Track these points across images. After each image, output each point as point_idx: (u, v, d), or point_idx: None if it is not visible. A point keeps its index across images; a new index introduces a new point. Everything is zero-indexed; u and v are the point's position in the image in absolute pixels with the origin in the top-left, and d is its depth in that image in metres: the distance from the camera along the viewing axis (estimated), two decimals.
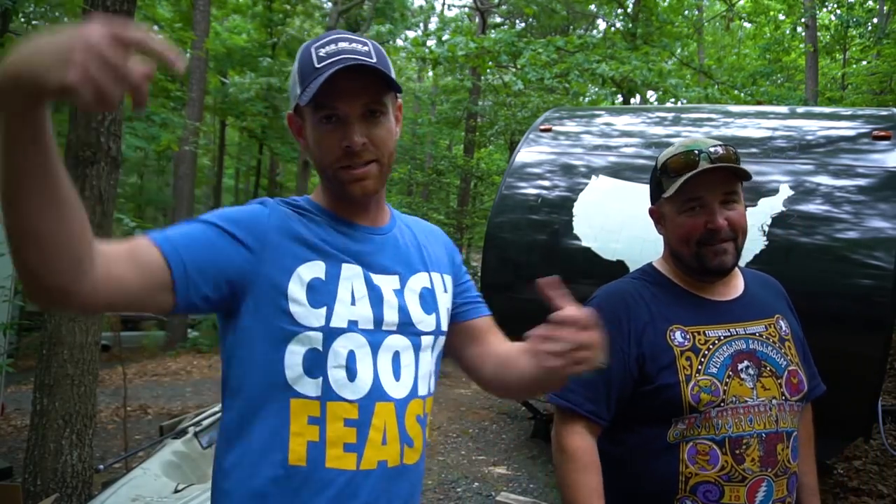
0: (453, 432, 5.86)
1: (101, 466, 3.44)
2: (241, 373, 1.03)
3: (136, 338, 14.57)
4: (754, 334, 1.27)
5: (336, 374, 1.01)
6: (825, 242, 3.50)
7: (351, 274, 1.04)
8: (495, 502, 3.94)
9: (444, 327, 1.18)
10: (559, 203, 4.44)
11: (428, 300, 1.14)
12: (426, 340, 1.13)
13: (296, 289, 0.99)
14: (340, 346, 1.01)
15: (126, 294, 0.87)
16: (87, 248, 0.78)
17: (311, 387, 1.00)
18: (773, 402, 1.23)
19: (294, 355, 1.00)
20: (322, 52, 1.01)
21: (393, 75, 1.03)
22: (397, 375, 1.06)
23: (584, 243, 4.17)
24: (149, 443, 4.24)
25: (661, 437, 1.24)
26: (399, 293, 1.10)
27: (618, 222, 4.11)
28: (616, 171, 4.41)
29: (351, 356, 1.02)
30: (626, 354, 1.26)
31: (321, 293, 1.01)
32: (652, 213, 1.38)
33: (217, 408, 3.94)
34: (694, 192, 1.26)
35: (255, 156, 25.13)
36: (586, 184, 4.42)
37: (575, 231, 4.24)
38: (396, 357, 1.07)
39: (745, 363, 1.24)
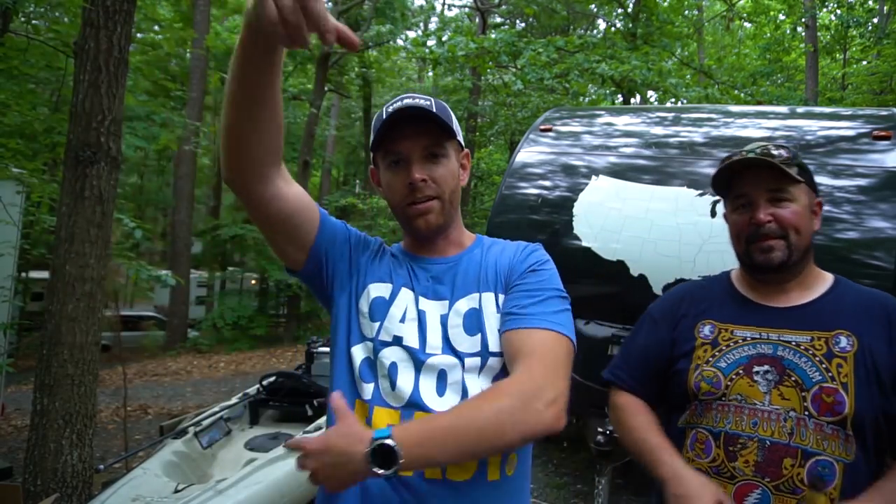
0: None
1: (101, 466, 3.44)
2: (334, 354, 1.22)
3: (136, 338, 14.59)
4: (790, 343, 1.24)
5: (383, 383, 1.13)
6: (825, 242, 3.50)
7: (406, 298, 1.18)
8: None
9: (495, 348, 1.14)
10: (559, 203, 4.44)
11: (473, 321, 1.15)
12: (471, 362, 1.13)
13: (364, 302, 1.19)
14: (385, 357, 1.13)
15: (284, 222, 1.12)
16: (272, 161, 1.04)
17: (366, 391, 1.13)
18: (791, 413, 1.19)
19: (357, 359, 1.16)
20: (390, 108, 1.16)
21: (453, 125, 1.19)
22: (441, 392, 1.11)
23: (584, 243, 4.16)
24: (149, 443, 4.24)
25: (675, 422, 1.34)
26: (444, 318, 1.16)
27: (618, 222, 4.11)
28: (616, 171, 4.41)
29: (393, 367, 1.13)
30: (664, 339, 1.38)
31: (380, 310, 1.17)
32: (724, 217, 1.42)
33: (217, 408, 3.95)
34: (741, 190, 1.32)
35: None
36: (586, 184, 4.41)
37: (575, 231, 4.24)
38: (443, 375, 1.12)
39: (765, 367, 1.23)
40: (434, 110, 1.15)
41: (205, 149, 16.74)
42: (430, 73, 20.25)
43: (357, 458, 0.89)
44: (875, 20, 13.08)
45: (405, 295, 1.18)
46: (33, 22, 6.81)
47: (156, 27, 11.15)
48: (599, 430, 3.33)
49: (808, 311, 1.27)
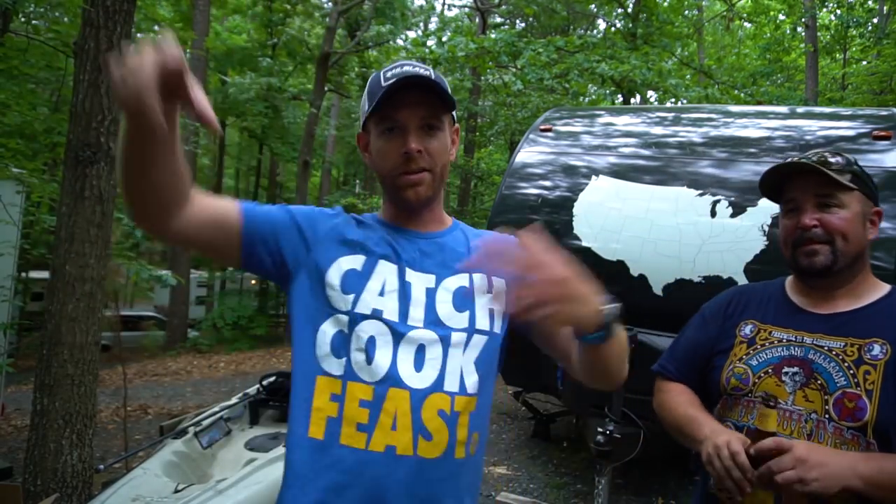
0: None
1: (101, 466, 3.43)
2: (293, 341, 1.19)
3: (136, 338, 14.58)
4: (822, 347, 1.25)
5: (357, 357, 1.10)
6: None
7: (386, 270, 1.15)
8: (495, 502, 3.94)
9: (484, 326, 1.17)
10: (559, 203, 4.44)
11: (463, 298, 1.17)
12: (457, 337, 1.14)
13: (334, 275, 1.14)
14: (362, 331, 1.11)
15: (204, 240, 1.11)
16: (178, 200, 1.03)
17: (335, 366, 1.10)
18: (813, 416, 1.21)
19: (325, 335, 1.12)
20: (389, 73, 1.14)
21: (452, 97, 1.16)
22: (419, 367, 1.10)
23: (584, 243, 4.17)
24: (149, 443, 4.24)
25: (713, 413, 1.37)
26: (432, 291, 1.15)
27: (618, 222, 4.11)
28: (616, 171, 4.41)
29: (371, 341, 1.10)
30: (711, 336, 1.43)
31: (354, 282, 1.13)
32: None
33: (217, 408, 3.95)
34: (790, 195, 1.34)
35: (255, 156, 25.13)
36: (586, 184, 4.41)
37: (575, 231, 4.24)
38: (421, 349, 1.11)
39: (795, 369, 1.26)
40: (435, 80, 1.13)
41: (204, 149, 16.75)
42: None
43: None
44: (875, 20, 13.08)
45: (384, 267, 1.15)
46: (33, 22, 6.81)
47: (156, 27, 11.13)
48: (599, 430, 3.32)
49: (849, 319, 1.27)
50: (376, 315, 1.11)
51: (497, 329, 1.19)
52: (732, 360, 1.35)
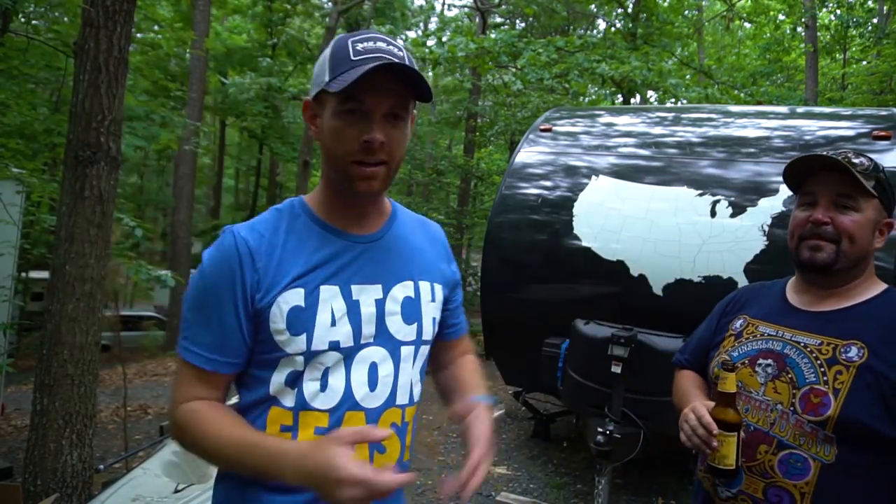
0: (453, 432, 5.86)
1: (101, 466, 3.43)
2: (238, 384, 1.15)
3: (136, 338, 14.58)
4: (799, 343, 1.29)
5: (310, 386, 1.06)
6: None
7: (329, 295, 1.06)
8: (495, 502, 3.94)
9: (428, 336, 1.19)
10: (559, 203, 4.44)
11: (409, 310, 1.14)
12: (406, 351, 1.14)
13: (277, 320, 1.04)
14: (319, 363, 1.06)
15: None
16: None
17: (288, 397, 1.06)
18: (779, 407, 1.26)
19: (279, 375, 1.07)
20: (360, 46, 1.02)
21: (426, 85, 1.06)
22: (373, 386, 1.09)
23: (584, 243, 4.17)
24: (149, 443, 4.23)
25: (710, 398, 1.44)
26: (380, 303, 1.11)
27: (618, 222, 4.11)
28: (616, 171, 4.41)
29: (326, 371, 1.06)
30: (713, 328, 1.54)
31: (300, 320, 1.04)
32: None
33: None
34: (808, 188, 1.34)
35: (255, 156, 25.15)
36: (586, 184, 4.41)
37: (575, 231, 4.24)
38: (374, 368, 1.09)
39: (769, 362, 1.31)
40: (412, 68, 1.01)
41: (205, 149, 16.75)
42: (430, 73, 20.23)
43: None
44: (875, 20, 13.08)
45: (327, 293, 1.06)
46: (33, 22, 6.81)
47: (155, 27, 11.13)
48: (599, 430, 3.33)
49: (833, 318, 1.30)
50: (333, 347, 1.06)
51: (434, 333, 1.22)
52: (721, 351, 1.43)
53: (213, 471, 3.39)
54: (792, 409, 1.24)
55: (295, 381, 1.06)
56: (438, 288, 1.21)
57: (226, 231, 1.09)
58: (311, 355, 1.05)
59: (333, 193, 1.12)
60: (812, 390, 1.23)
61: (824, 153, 1.31)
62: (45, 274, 5.33)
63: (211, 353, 1.06)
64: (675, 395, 1.57)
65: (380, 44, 1.02)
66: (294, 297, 1.04)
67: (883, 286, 1.34)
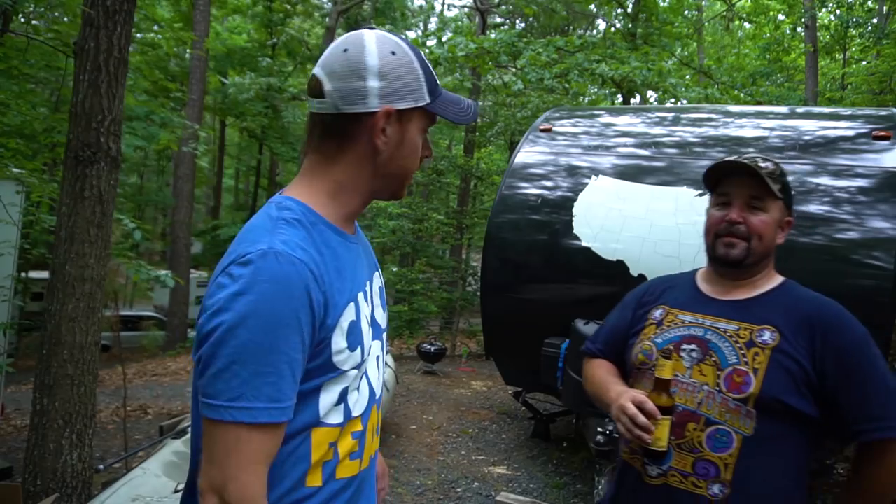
0: (453, 432, 5.86)
1: (101, 466, 3.44)
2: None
3: (136, 338, 14.59)
4: (719, 329, 1.42)
5: (352, 398, 1.04)
6: (825, 243, 3.50)
7: (362, 302, 1.06)
8: (495, 502, 3.94)
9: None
10: (559, 203, 4.44)
11: (382, 298, 1.21)
12: (384, 336, 1.20)
13: (339, 340, 0.98)
14: (362, 371, 1.06)
15: None
16: None
17: (335, 415, 1.00)
18: (705, 388, 1.38)
19: (329, 395, 0.99)
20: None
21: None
22: (380, 377, 1.14)
23: (584, 243, 4.17)
24: (149, 443, 4.24)
25: (628, 385, 1.54)
26: (370, 297, 1.14)
27: (618, 222, 4.11)
28: (616, 171, 4.41)
29: (363, 377, 1.07)
30: (627, 320, 1.63)
31: (355, 334, 1.01)
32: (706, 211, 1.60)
33: None
34: (724, 189, 1.49)
35: (255, 156, 25.15)
36: (586, 184, 4.42)
37: (575, 231, 4.24)
38: (378, 360, 1.14)
39: (692, 347, 1.43)
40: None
41: (203, 151, 16.74)
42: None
43: None
44: (875, 20, 13.08)
45: (361, 300, 1.05)
46: (33, 22, 6.80)
47: (155, 27, 11.15)
48: (599, 430, 3.33)
49: (745, 306, 1.45)
50: (370, 352, 1.07)
51: None
52: (642, 339, 1.52)
53: None
54: (717, 388, 1.36)
55: (343, 396, 1.01)
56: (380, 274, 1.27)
57: (274, 255, 0.90)
58: (362, 365, 1.03)
59: (359, 196, 1.07)
60: (735, 371, 1.35)
61: (739, 159, 1.45)
62: (44, 274, 5.34)
63: (281, 400, 0.88)
64: (590, 383, 1.65)
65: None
66: (350, 313, 1.00)
67: (781, 278, 1.50)
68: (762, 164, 1.43)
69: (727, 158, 1.48)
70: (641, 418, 1.30)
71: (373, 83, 1.00)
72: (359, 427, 1.05)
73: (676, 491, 1.36)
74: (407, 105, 1.03)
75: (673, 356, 1.42)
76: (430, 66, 1.06)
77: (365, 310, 1.06)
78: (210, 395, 0.87)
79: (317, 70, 1.03)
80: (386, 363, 1.21)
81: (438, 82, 1.07)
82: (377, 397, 1.12)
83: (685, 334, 1.45)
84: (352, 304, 1.01)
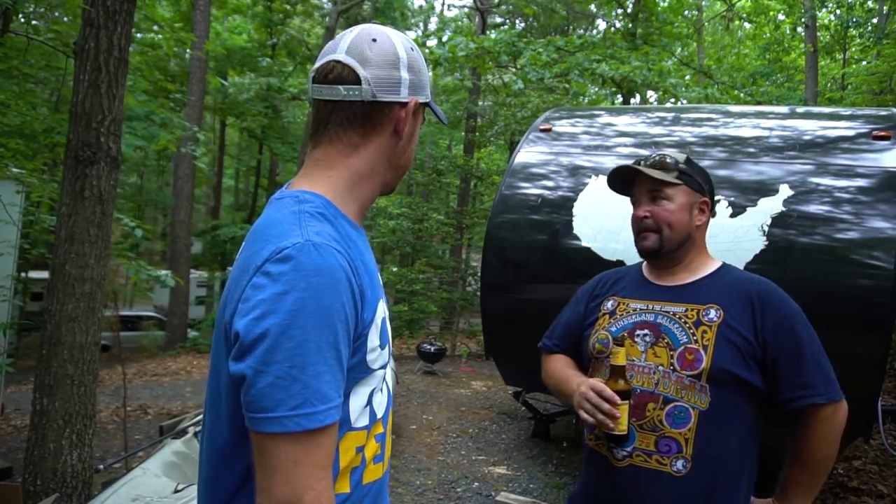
0: (453, 432, 5.86)
1: (101, 466, 3.44)
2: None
3: (136, 338, 14.58)
4: (668, 312, 1.51)
5: (377, 399, 1.00)
6: (825, 242, 3.50)
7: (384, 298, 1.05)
8: (495, 502, 3.94)
9: None
10: (559, 203, 4.44)
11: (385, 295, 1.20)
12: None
13: (374, 338, 0.95)
14: (385, 371, 1.04)
15: None
16: None
17: (364, 418, 0.98)
18: (660, 368, 1.45)
19: (359, 398, 0.96)
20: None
21: None
22: (391, 375, 1.16)
23: (584, 243, 4.16)
24: (149, 443, 4.24)
25: (587, 375, 1.61)
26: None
27: (618, 222, 4.10)
28: None
29: (384, 378, 1.05)
30: (580, 313, 1.71)
31: (384, 332, 1.00)
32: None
33: None
34: (632, 190, 1.62)
35: (255, 156, 25.14)
36: (586, 184, 4.41)
37: (575, 231, 4.24)
38: (390, 358, 1.13)
39: (645, 332, 1.51)
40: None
41: (203, 153, 16.73)
42: (430, 74, 20.28)
43: None
44: (875, 20, 13.08)
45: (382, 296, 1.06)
46: (33, 22, 6.81)
47: (155, 27, 11.13)
48: None
49: (689, 289, 1.54)
50: (390, 351, 1.05)
51: None
52: (597, 329, 1.60)
53: None
54: (672, 368, 1.44)
55: (370, 398, 0.98)
56: None
57: (314, 246, 0.86)
58: (387, 365, 1.01)
59: (372, 189, 1.06)
60: (686, 349, 1.44)
61: (632, 163, 1.58)
62: (44, 274, 5.34)
63: (335, 399, 0.85)
64: (550, 377, 1.72)
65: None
66: (382, 309, 0.99)
67: (719, 262, 1.59)
68: (668, 161, 1.55)
69: (618, 166, 1.61)
70: (605, 405, 1.37)
71: (405, 74, 1.01)
72: (381, 429, 1.03)
73: (642, 470, 1.42)
74: (424, 99, 1.05)
75: (627, 342, 1.50)
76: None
77: (385, 307, 1.04)
78: (267, 408, 0.80)
79: (341, 56, 0.99)
80: None
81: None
82: (392, 396, 1.12)
83: (637, 321, 1.53)
84: (381, 301, 1.00)
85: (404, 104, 1.01)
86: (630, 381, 1.44)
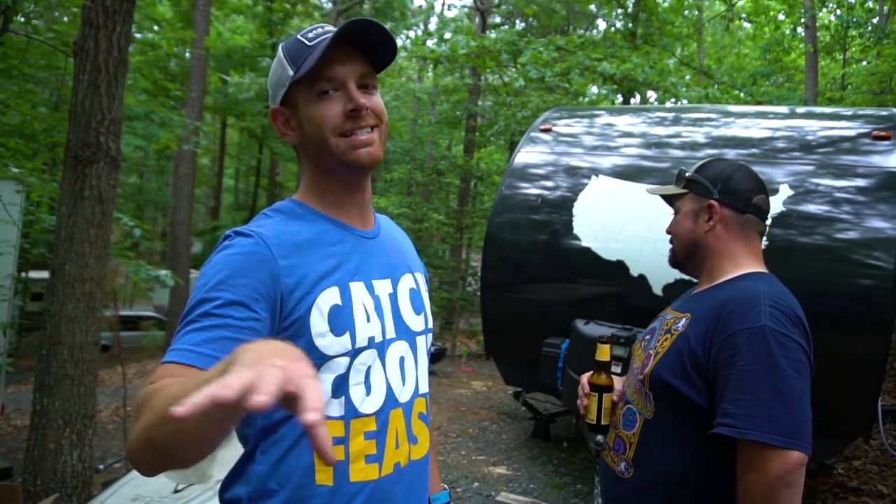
0: (453, 432, 5.86)
1: (101, 466, 3.44)
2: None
3: (136, 338, 14.57)
4: (665, 319, 1.52)
5: (357, 392, 1.02)
6: (825, 242, 3.50)
7: (358, 291, 1.05)
8: (495, 502, 3.94)
9: (430, 324, 1.23)
10: (559, 203, 4.44)
11: (416, 301, 1.18)
12: (420, 340, 1.17)
13: (318, 322, 0.98)
14: (361, 364, 1.03)
15: None
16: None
17: (335, 407, 1.00)
18: (636, 370, 1.49)
19: (323, 383, 0.98)
20: (310, 34, 1.04)
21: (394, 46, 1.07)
22: (404, 379, 1.11)
23: (584, 243, 4.16)
24: None
25: None
26: (393, 297, 1.12)
27: (618, 222, 4.10)
28: (616, 171, 4.41)
29: (368, 371, 1.04)
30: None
31: (341, 319, 1.00)
32: None
33: None
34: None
35: (255, 156, 25.15)
36: (586, 184, 4.41)
37: (575, 231, 4.23)
38: (402, 362, 1.11)
39: (647, 336, 1.56)
40: (377, 26, 1.01)
41: (204, 149, 16.74)
42: (430, 73, 20.26)
43: None
44: (875, 20, 13.07)
45: (357, 289, 1.04)
46: (33, 22, 6.80)
47: (155, 27, 11.14)
48: None
49: (696, 297, 1.51)
50: (370, 344, 1.04)
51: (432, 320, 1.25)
52: None
53: (214, 471, 3.38)
54: (637, 370, 1.47)
55: (340, 387, 1.00)
56: (422, 278, 1.26)
57: (235, 233, 0.99)
58: (355, 354, 1.01)
59: (329, 184, 1.09)
60: (646, 354, 1.46)
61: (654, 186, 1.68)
62: (44, 274, 5.33)
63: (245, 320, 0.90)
64: None
65: (327, 27, 1.05)
66: (332, 297, 1.00)
67: (743, 271, 1.43)
68: (686, 174, 1.58)
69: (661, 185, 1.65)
70: (581, 392, 1.54)
71: (270, 89, 1.10)
72: (372, 427, 1.03)
73: (605, 464, 1.51)
74: (279, 95, 1.06)
75: (638, 351, 1.56)
76: (306, 40, 1.03)
77: (364, 300, 1.05)
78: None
79: None
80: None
81: (308, 44, 1.02)
82: (402, 401, 1.09)
83: (652, 326, 1.59)
84: (334, 289, 1.01)
85: (274, 111, 1.10)
86: (611, 377, 1.52)
